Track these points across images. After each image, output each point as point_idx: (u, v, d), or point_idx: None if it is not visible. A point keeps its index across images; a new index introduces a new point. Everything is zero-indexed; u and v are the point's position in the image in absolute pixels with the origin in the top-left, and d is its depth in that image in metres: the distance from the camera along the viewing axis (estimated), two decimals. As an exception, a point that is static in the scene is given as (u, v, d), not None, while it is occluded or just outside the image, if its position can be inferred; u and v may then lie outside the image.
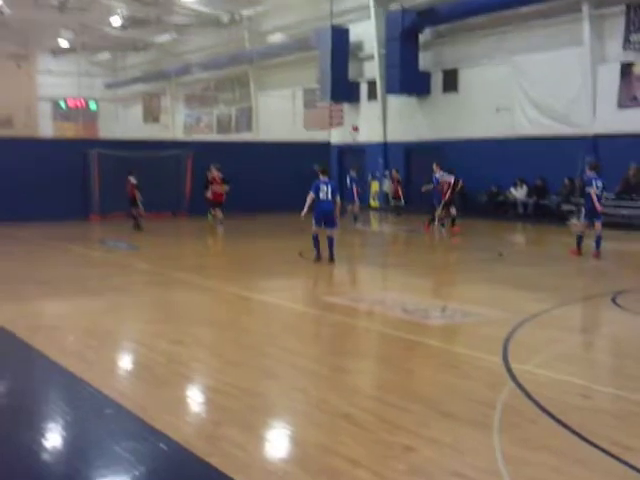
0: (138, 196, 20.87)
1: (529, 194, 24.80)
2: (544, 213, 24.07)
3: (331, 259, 14.08)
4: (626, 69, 22.17)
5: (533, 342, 8.38)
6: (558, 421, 5.58)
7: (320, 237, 14.20)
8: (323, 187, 14.12)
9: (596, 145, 22.77)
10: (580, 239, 14.93)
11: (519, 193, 25.18)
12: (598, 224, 14.72)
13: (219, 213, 20.80)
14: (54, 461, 5.09)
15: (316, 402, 6.23)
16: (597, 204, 14.59)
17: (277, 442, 5.52)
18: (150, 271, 13.74)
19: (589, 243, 14.85)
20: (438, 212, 19.75)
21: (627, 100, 22.20)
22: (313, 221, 14.23)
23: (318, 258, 14.20)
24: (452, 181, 19.92)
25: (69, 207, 23.54)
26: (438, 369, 7.30)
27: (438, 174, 19.85)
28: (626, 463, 4.80)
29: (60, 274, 13.51)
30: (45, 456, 5.11)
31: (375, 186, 30.70)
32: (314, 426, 5.67)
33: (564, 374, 6.88)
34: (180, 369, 7.35)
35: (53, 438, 5.47)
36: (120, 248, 17.27)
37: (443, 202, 19.77)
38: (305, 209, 14.19)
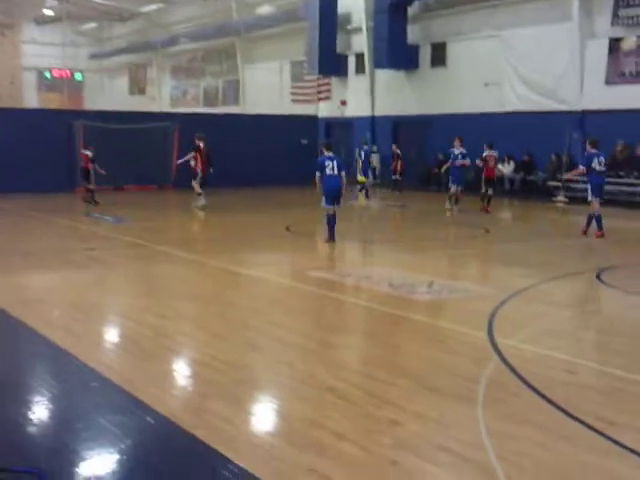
0: (93, 169, 20.11)
1: (516, 170, 24.81)
2: (531, 189, 24.10)
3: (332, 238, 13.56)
4: (614, 45, 22.11)
5: (518, 317, 8.43)
6: (543, 396, 5.63)
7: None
8: (328, 163, 13.51)
9: (583, 121, 22.78)
10: (599, 218, 14.30)
11: (506, 169, 25.18)
12: (597, 202, 14.33)
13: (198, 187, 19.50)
14: (41, 434, 5.08)
15: (302, 376, 6.25)
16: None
17: (263, 415, 5.54)
18: (136, 244, 13.68)
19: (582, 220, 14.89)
20: (455, 190, 19.19)
21: (615, 76, 22.17)
22: (323, 199, 13.61)
23: (332, 239, 13.49)
24: (497, 156, 19.68)
25: (55, 179, 23.33)
26: (424, 344, 7.33)
27: (457, 150, 19.18)
28: (610, 438, 4.85)
29: (46, 246, 13.44)
30: (32, 429, 5.11)
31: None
32: (300, 400, 5.69)
33: (549, 349, 6.92)
34: (166, 342, 7.35)
35: (40, 411, 5.46)
36: (106, 221, 17.18)
37: (485, 178, 19.44)
38: (318, 188, 13.73)
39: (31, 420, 5.23)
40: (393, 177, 25.87)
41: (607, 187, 15.48)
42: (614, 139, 21.51)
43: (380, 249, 14.13)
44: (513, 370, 6.24)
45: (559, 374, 6.26)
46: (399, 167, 25.73)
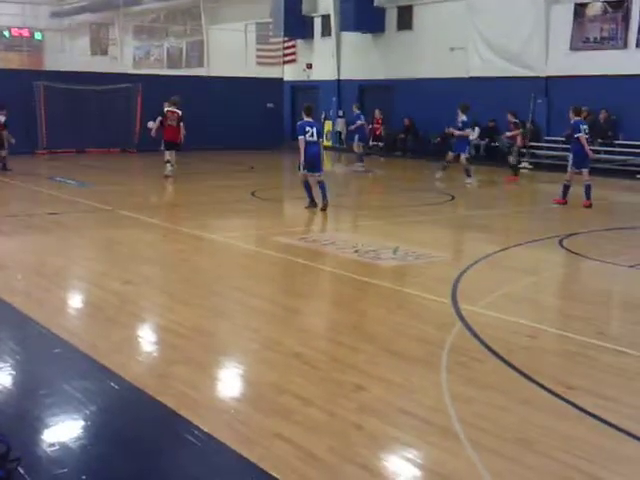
0: (6, 135, 19.16)
1: (481, 136, 24.90)
2: (496, 155, 24.23)
3: (325, 207, 13.25)
4: (579, 10, 22.17)
5: (482, 283, 8.54)
6: (504, 361, 5.73)
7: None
8: (308, 129, 13.08)
9: (548, 87, 22.91)
10: (567, 188, 14.29)
11: (471, 135, 25.23)
12: (586, 172, 14.17)
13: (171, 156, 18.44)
14: (3, 401, 5.05)
15: (268, 342, 6.27)
16: (589, 150, 14.17)
17: (228, 381, 5.56)
18: (99, 209, 13.53)
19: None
20: (449, 157, 18.49)
21: (580, 42, 22.27)
22: (301, 166, 13.27)
23: (313, 204, 13.38)
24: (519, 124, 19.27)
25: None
26: (389, 310, 7.39)
27: (461, 118, 18.30)
28: (569, 402, 4.96)
29: (6, 210, 13.23)
30: (-6, 396, 5.07)
31: (328, 126, 30.50)
32: (266, 365, 5.72)
33: (511, 315, 7.03)
34: (130, 308, 7.32)
35: (2, 377, 5.41)
36: (69, 185, 16.95)
37: (517, 149, 19.36)
38: (302, 158, 13.12)
39: (-6, 387, 5.20)
40: (372, 143, 24.81)
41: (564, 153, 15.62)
42: (579, 104, 21.64)
43: (346, 215, 14.15)
44: (476, 335, 6.33)
45: (521, 339, 6.37)
46: (381, 133, 25.16)
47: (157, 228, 11.77)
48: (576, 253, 10.18)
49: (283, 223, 13.00)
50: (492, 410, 4.84)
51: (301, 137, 13.06)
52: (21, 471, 3.95)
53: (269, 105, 29.11)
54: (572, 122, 14.43)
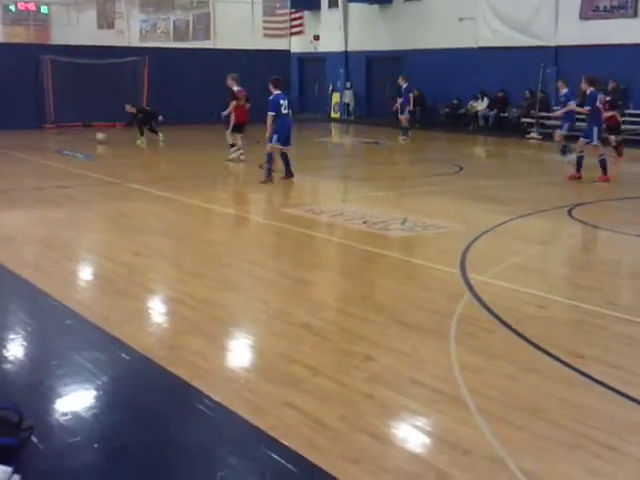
0: None
1: (490, 106, 24.76)
2: (505, 126, 24.11)
3: (291, 174, 13.49)
4: (590, -21, 21.92)
5: (491, 253, 8.52)
6: (513, 330, 5.73)
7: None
8: (282, 102, 13.05)
9: (557, 56, 22.70)
10: (581, 160, 13.81)
11: (480, 106, 25.12)
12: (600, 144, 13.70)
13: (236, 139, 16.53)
14: (15, 371, 5.09)
15: (277, 313, 6.30)
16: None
17: (238, 351, 5.59)
18: (108, 182, 13.54)
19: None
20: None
21: (589, 11, 22.03)
22: (275, 138, 13.11)
23: (270, 179, 13.20)
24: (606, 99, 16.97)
25: (22, 116, 22.89)
26: (398, 280, 7.39)
27: (563, 91, 16.17)
28: (577, 370, 4.97)
29: (15, 184, 13.25)
30: (7, 367, 5.10)
31: (336, 97, 30.36)
32: (275, 336, 5.74)
33: (521, 285, 7.02)
34: (140, 280, 7.35)
35: (14, 349, 5.46)
36: (77, 158, 16.95)
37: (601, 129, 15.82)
38: (269, 132, 13.08)
39: (6, 358, 5.23)
40: (409, 115, 21.84)
41: (581, 124, 15.20)
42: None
43: (354, 186, 14.12)
44: (485, 305, 6.33)
45: (530, 309, 6.37)
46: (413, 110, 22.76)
47: (166, 200, 11.77)
48: (586, 223, 10.13)
49: (291, 195, 12.97)
50: (501, 379, 4.85)
51: (272, 113, 12.96)
52: (34, 439, 3.99)
53: (271, 79, 28.93)
54: (589, 92, 13.82)
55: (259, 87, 27.28)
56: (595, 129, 13.75)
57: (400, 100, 21.26)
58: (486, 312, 6.18)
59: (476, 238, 8.96)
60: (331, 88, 30.14)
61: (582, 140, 13.97)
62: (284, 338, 5.65)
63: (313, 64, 31.11)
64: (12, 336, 5.74)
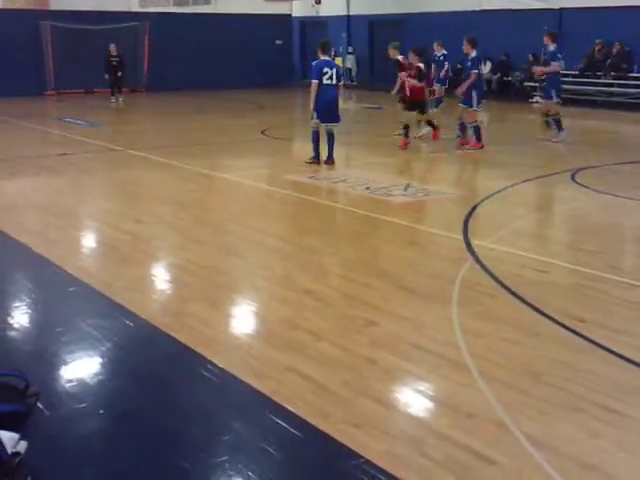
0: None
1: (493, 70, 24.55)
2: (508, 90, 23.92)
3: (331, 160, 11.77)
4: (595, -61, 21.58)
5: (493, 219, 8.52)
6: (515, 295, 5.75)
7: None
8: (327, 70, 11.35)
9: (561, 19, 22.45)
10: (478, 130, 13.14)
11: (483, 70, 24.88)
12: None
13: (423, 116, 14.23)
14: (20, 338, 5.13)
15: (280, 279, 6.32)
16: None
17: (242, 318, 5.61)
18: (110, 149, 13.51)
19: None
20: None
21: (594, -28, 21.72)
22: (314, 113, 11.54)
23: (316, 160, 11.74)
24: None
25: (22, 82, 22.81)
26: (400, 246, 7.40)
27: (550, 47, 13.96)
28: (580, 334, 4.99)
29: (17, 152, 13.22)
30: (12, 334, 5.14)
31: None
32: (278, 302, 5.76)
33: (522, 250, 7.03)
34: (144, 247, 7.37)
35: (19, 317, 5.48)
36: (79, 125, 16.89)
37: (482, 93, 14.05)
38: (313, 104, 11.44)
39: (11, 325, 5.27)
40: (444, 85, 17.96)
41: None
42: (592, 38, 21.29)
43: (356, 152, 14.06)
44: (487, 270, 6.34)
45: (531, 274, 6.38)
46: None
47: (168, 167, 11.75)
48: (588, 187, 10.11)
49: (294, 161, 12.94)
50: (503, 343, 4.87)
51: (316, 81, 11.32)
52: (40, 406, 4.03)
53: (278, 42, 28.73)
54: (551, 48, 13.61)
55: (261, 51, 27.32)
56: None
57: (440, 71, 17.32)
58: (488, 277, 6.19)
59: (478, 203, 8.95)
60: (333, 52, 29.87)
61: (460, 106, 13.29)
62: (287, 304, 5.67)
63: (315, 28, 30.80)
64: (16, 304, 5.77)
